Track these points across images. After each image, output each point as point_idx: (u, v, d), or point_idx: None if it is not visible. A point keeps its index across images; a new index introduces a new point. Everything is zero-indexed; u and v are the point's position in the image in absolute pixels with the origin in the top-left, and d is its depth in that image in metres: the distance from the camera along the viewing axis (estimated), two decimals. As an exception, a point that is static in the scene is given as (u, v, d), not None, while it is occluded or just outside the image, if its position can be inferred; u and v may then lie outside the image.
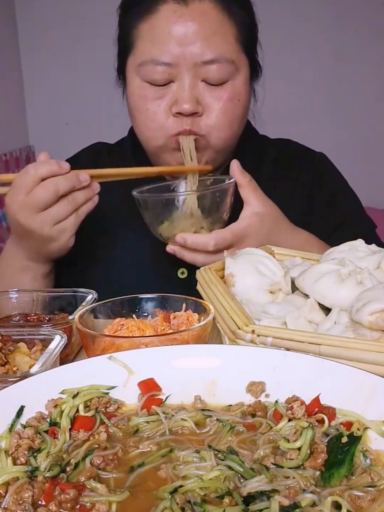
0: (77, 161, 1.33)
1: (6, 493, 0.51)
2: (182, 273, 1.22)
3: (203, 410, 0.64)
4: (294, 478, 0.52)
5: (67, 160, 1.33)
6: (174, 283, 1.18)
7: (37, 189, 1.00)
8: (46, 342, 0.81)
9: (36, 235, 1.04)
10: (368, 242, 0.94)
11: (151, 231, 1.12)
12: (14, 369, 0.78)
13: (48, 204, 1.01)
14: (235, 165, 1.09)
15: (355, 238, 0.94)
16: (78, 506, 0.49)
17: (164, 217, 1.09)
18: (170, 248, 1.09)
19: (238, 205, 1.10)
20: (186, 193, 1.11)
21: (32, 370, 0.71)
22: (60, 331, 0.82)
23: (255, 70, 1.18)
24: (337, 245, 0.94)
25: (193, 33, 1.05)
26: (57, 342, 0.79)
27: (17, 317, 0.97)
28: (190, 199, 1.08)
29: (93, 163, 1.31)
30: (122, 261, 1.25)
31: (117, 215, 1.25)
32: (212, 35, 1.06)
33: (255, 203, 1.08)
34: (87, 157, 1.34)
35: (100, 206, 1.24)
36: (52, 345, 0.78)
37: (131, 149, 1.29)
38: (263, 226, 1.08)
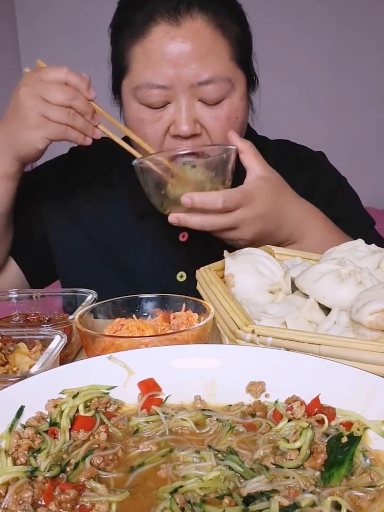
0: (84, 152, 1.33)
1: (6, 493, 0.51)
2: (181, 276, 1.22)
3: (203, 410, 0.64)
4: (294, 478, 0.52)
5: (71, 149, 1.33)
6: (173, 286, 1.18)
7: (56, 87, 1.00)
8: (46, 342, 0.81)
9: (21, 112, 1.00)
10: (367, 238, 0.94)
11: (152, 201, 1.07)
12: (14, 369, 0.78)
13: (52, 102, 0.99)
14: (233, 135, 1.06)
15: (354, 234, 0.93)
16: (78, 506, 0.49)
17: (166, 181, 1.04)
18: (173, 216, 1.03)
19: (238, 176, 1.08)
20: (191, 160, 1.04)
21: (32, 370, 0.71)
22: (60, 331, 0.82)
23: (251, 82, 1.17)
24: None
25: (187, 54, 1.02)
26: (57, 342, 0.79)
27: (17, 317, 0.98)
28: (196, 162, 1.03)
29: (99, 160, 1.30)
30: (121, 265, 1.25)
31: (117, 219, 1.25)
32: (206, 54, 1.04)
33: (258, 168, 1.06)
34: (93, 151, 1.33)
35: (100, 209, 1.25)
36: (52, 345, 0.78)
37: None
38: (271, 188, 1.06)
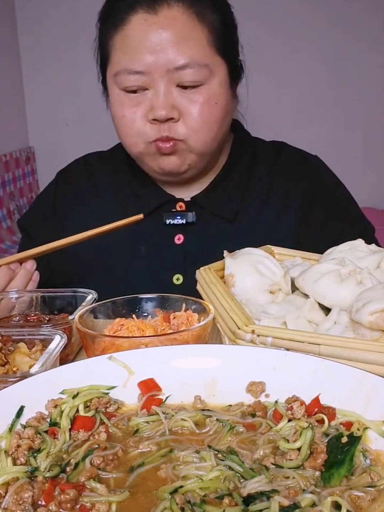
0: (66, 174, 1.35)
1: (6, 493, 0.51)
2: (177, 279, 1.22)
3: (203, 410, 0.64)
4: (294, 478, 0.52)
5: (59, 172, 1.35)
6: (169, 290, 1.18)
7: None
8: (46, 342, 0.81)
9: None
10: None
11: None
12: (14, 369, 0.78)
13: None
14: None
15: None
16: (78, 506, 0.49)
17: None
18: None
19: None
20: None
21: (32, 370, 0.71)
22: (60, 331, 0.82)
23: (235, 72, 1.17)
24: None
25: (164, 40, 1.05)
26: (57, 342, 0.79)
27: (17, 317, 0.97)
28: None
29: (86, 175, 1.32)
30: (117, 269, 1.25)
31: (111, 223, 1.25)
32: (182, 40, 1.06)
33: None
34: (79, 169, 1.35)
35: (93, 218, 1.25)
36: (52, 345, 0.78)
37: (124, 155, 1.29)
38: None
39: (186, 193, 1.24)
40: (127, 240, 1.24)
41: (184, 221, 1.21)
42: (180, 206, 1.23)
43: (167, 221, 1.21)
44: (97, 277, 1.25)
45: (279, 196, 1.25)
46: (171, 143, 1.10)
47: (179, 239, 1.23)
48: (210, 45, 1.09)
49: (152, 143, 1.12)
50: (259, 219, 1.24)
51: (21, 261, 1.08)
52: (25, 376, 0.66)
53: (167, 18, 1.06)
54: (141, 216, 1.09)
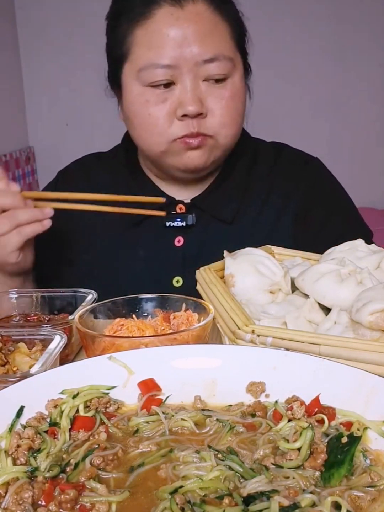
0: (66, 174, 1.35)
1: (6, 493, 0.51)
2: (177, 281, 1.22)
3: (203, 410, 0.64)
4: (294, 478, 0.52)
5: (60, 172, 1.35)
6: (169, 292, 1.18)
7: None
8: (46, 342, 0.81)
9: None
10: None
11: None
12: (14, 369, 0.78)
13: None
14: None
15: None
16: (78, 506, 0.49)
17: None
18: None
19: None
20: None
21: (32, 370, 0.71)
22: (60, 331, 0.82)
23: (247, 68, 1.20)
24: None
25: (191, 34, 1.06)
26: (57, 342, 0.79)
27: (17, 317, 0.97)
28: None
29: (85, 176, 1.32)
30: (116, 271, 1.25)
31: (112, 226, 1.25)
32: (209, 35, 1.07)
33: None
34: (78, 170, 1.35)
35: (95, 218, 1.25)
36: (52, 345, 0.78)
37: (124, 157, 1.29)
38: None
39: (186, 195, 1.24)
40: (127, 242, 1.24)
41: (184, 224, 1.21)
42: (180, 208, 1.23)
43: (167, 224, 1.21)
44: (96, 279, 1.24)
45: (279, 196, 1.25)
46: (200, 138, 1.10)
47: (179, 241, 1.23)
48: (232, 39, 1.11)
49: (177, 140, 1.11)
50: (258, 219, 1.24)
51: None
52: (25, 376, 0.66)
53: (192, 12, 1.07)
54: (162, 199, 1.10)
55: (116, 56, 1.14)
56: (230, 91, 1.10)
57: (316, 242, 1.17)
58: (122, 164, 1.28)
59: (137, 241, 1.24)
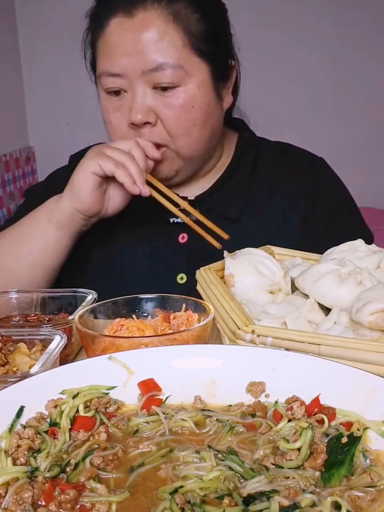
0: (79, 158, 1.33)
1: (6, 493, 0.51)
2: (181, 278, 1.22)
3: (203, 410, 0.64)
4: (294, 478, 0.52)
5: (72, 156, 1.34)
6: (173, 289, 1.18)
7: (119, 143, 1.08)
8: (46, 342, 0.81)
9: (82, 162, 1.09)
10: None
11: None
12: (14, 369, 0.78)
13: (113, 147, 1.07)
14: None
15: None
16: (78, 506, 0.49)
17: None
18: None
19: None
20: None
21: (32, 370, 0.71)
22: (60, 331, 0.82)
23: (222, 73, 1.16)
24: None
25: (138, 43, 1.06)
26: (57, 342, 0.79)
27: (17, 317, 0.97)
28: None
29: None
30: (121, 267, 1.25)
31: (113, 225, 1.25)
32: (156, 42, 1.06)
33: None
34: None
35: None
36: (52, 345, 0.78)
37: None
38: None
39: (191, 192, 1.24)
40: (131, 238, 1.24)
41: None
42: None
43: (171, 220, 1.21)
44: (100, 274, 1.25)
45: (284, 196, 1.25)
46: (161, 151, 1.11)
47: (183, 238, 1.23)
48: (187, 46, 1.08)
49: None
50: (263, 219, 1.24)
51: None
52: (25, 376, 0.66)
53: (142, 21, 1.07)
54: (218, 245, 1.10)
55: (91, 65, 1.20)
56: (181, 100, 1.08)
57: (321, 243, 1.17)
58: None
59: (142, 238, 1.24)
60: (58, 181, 1.28)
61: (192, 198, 1.23)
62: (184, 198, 1.22)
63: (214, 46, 1.13)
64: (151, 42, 1.06)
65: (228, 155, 1.27)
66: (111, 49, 1.09)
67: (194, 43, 1.09)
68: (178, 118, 1.09)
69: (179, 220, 1.20)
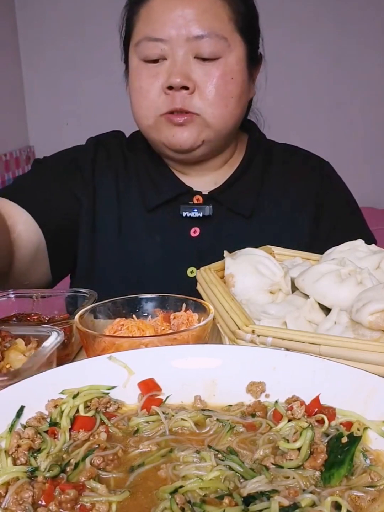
0: (105, 142, 1.33)
1: (6, 493, 0.51)
2: (192, 272, 1.23)
3: (203, 410, 0.64)
4: (294, 478, 0.52)
5: (92, 139, 1.33)
6: (183, 281, 1.19)
7: None
8: (41, 340, 0.80)
9: None
10: None
11: None
12: (7, 366, 0.77)
13: None
14: None
15: None
16: (78, 506, 0.49)
17: None
18: None
19: None
20: None
21: (23, 365, 0.70)
22: (58, 329, 0.81)
23: (254, 58, 1.20)
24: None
25: (186, 13, 1.09)
26: (53, 339, 0.77)
27: (17, 317, 0.97)
28: None
29: (120, 149, 1.31)
30: (132, 257, 1.25)
31: (127, 214, 1.26)
32: (203, 13, 1.09)
33: None
34: (113, 143, 1.33)
35: (112, 206, 1.25)
36: (46, 343, 0.76)
37: (143, 142, 1.29)
38: None
39: (204, 187, 1.25)
40: (143, 229, 1.25)
41: (200, 215, 1.21)
42: (198, 199, 1.23)
43: (184, 214, 1.21)
44: (112, 265, 1.25)
45: (293, 196, 1.27)
46: (186, 116, 1.11)
47: (195, 232, 1.24)
48: (231, 21, 1.12)
49: (163, 116, 1.12)
50: (272, 217, 1.25)
51: None
52: (14, 374, 0.66)
53: None
54: None
55: (126, 34, 1.19)
56: (221, 71, 1.11)
57: (328, 245, 1.18)
58: (141, 150, 1.29)
59: (154, 230, 1.24)
60: (80, 159, 1.27)
61: (206, 193, 1.24)
62: (198, 193, 1.23)
63: (251, 29, 1.17)
64: (199, 11, 1.09)
65: (240, 153, 1.29)
66: (157, 15, 1.11)
67: (237, 20, 1.13)
68: (218, 87, 1.11)
69: (191, 214, 1.20)
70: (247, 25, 1.16)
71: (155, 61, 1.12)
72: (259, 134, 1.33)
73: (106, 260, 1.26)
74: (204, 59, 1.10)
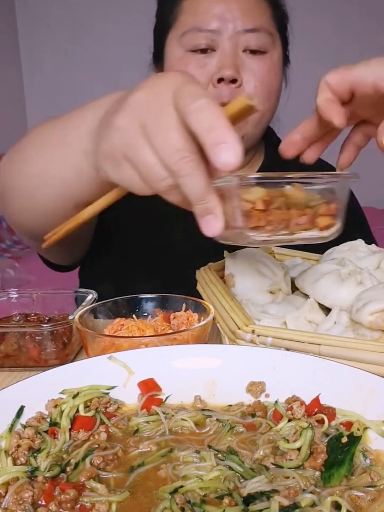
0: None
1: (6, 493, 0.51)
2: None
3: (203, 410, 0.64)
4: (294, 478, 0.52)
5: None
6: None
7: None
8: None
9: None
10: None
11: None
12: None
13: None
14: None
15: None
16: (78, 506, 0.49)
17: None
18: None
19: None
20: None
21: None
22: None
23: (286, 58, 1.23)
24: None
25: (233, 8, 1.11)
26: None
27: (17, 317, 0.97)
28: None
29: None
30: (155, 248, 1.25)
31: (136, 213, 1.25)
32: (251, 10, 1.12)
33: None
34: None
35: (121, 205, 1.24)
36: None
37: None
38: None
39: None
40: (165, 221, 1.24)
41: None
42: None
43: None
44: (135, 252, 1.25)
45: None
46: None
47: None
48: (274, 19, 1.15)
49: None
50: None
51: None
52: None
53: None
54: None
55: (163, 26, 1.19)
56: (267, 65, 1.13)
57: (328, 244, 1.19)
58: None
59: (176, 223, 1.24)
60: None
61: None
62: None
63: (285, 30, 1.21)
64: (246, 8, 1.12)
65: (260, 155, 1.32)
66: (205, 8, 1.12)
67: (278, 19, 1.17)
68: (264, 81, 1.13)
69: None
70: (283, 26, 1.19)
71: (204, 51, 1.12)
72: (276, 139, 1.34)
73: (113, 262, 1.26)
74: (252, 53, 1.12)
